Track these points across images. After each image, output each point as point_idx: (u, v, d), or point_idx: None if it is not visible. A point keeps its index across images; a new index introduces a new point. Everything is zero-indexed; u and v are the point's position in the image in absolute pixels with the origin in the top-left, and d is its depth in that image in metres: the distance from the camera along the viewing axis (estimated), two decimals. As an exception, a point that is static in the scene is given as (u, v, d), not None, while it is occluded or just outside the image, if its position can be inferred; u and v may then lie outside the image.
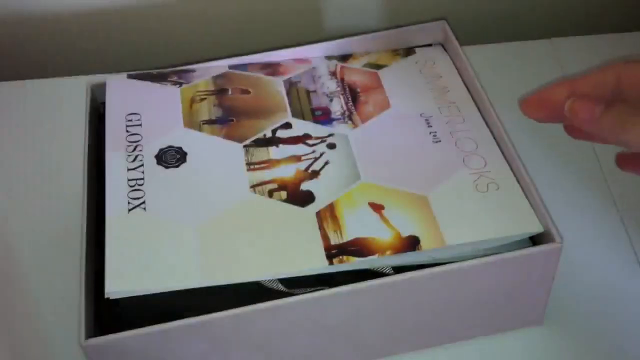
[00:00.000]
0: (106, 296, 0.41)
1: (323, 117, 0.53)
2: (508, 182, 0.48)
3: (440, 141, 0.51)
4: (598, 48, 0.70)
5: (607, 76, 0.42)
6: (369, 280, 0.43)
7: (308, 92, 0.55)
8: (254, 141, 0.51)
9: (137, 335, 0.41)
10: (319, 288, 0.43)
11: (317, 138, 0.51)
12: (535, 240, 0.47)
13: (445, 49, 0.61)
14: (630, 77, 0.42)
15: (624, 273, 0.54)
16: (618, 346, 0.50)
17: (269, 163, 0.49)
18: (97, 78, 0.56)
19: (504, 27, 0.76)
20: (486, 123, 0.53)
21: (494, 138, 0.51)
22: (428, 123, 0.53)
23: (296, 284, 0.44)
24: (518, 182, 0.48)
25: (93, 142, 0.52)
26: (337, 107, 0.54)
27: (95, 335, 0.41)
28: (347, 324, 0.46)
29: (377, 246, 0.44)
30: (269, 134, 0.51)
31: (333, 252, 0.44)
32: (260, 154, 0.50)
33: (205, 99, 0.54)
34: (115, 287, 0.41)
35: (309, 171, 0.49)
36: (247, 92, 0.55)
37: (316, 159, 0.49)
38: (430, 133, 0.52)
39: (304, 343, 0.46)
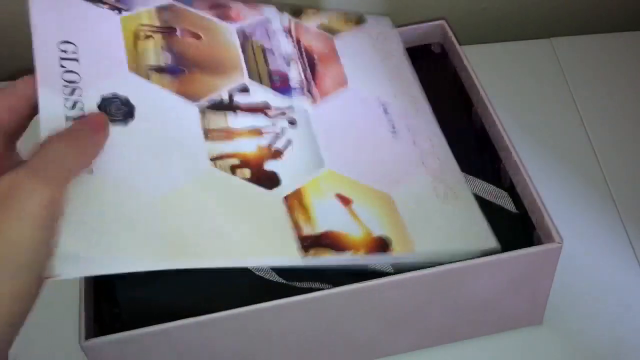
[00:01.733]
0: (54, 277, 0.35)
1: (282, 85, 0.50)
2: (464, 193, 0.49)
3: (397, 133, 0.51)
4: (598, 48, 0.70)
5: None
6: (369, 280, 0.43)
7: (264, 50, 0.51)
8: (209, 103, 0.46)
9: (137, 335, 0.41)
10: (316, 283, 0.43)
11: (277, 109, 0.48)
12: (535, 240, 0.47)
13: (444, 48, 0.61)
14: None
15: (623, 273, 0.54)
16: (618, 346, 0.50)
17: (228, 133, 0.45)
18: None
19: (504, 27, 0.76)
20: (435, 120, 0.54)
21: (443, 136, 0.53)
22: (385, 110, 0.52)
23: (293, 276, 0.43)
24: (474, 194, 0.49)
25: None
26: (294, 74, 0.51)
27: (95, 336, 0.41)
28: (347, 323, 0.46)
29: (350, 243, 0.43)
30: (225, 97, 0.47)
31: (306, 243, 0.42)
32: (218, 120, 0.45)
33: (151, 36, 0.47)
34: (64, 269, 0.35)
35: (272, 149, 0.46)
36: (197, 37, 0.49)
37: (277, 134, 0.47)
38: (388, 122, 0.51)
39: (304, 343, 0.46)
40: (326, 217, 0.43)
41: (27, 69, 0.73)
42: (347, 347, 0.48)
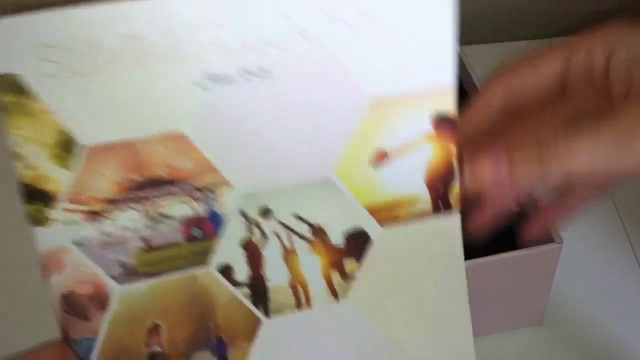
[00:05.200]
0: None
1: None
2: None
3: None
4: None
5: (549, 68, 0.33)
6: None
7: None
8: None
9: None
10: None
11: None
12: (535, 240, 0.47)
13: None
14: (580, 64, 0.32)
15: (623, 273, 0.54)
16: (618, 346, 0.50)
17: None
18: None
19: (504, 27, 0.76)
20: None
21: None
22: None
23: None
24: None
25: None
26: None
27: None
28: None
29: None
30: None
31: None
32: None
33: None
34: None
35: None
36: None
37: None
38: None
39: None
40: None
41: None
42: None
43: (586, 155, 0.29)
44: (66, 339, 0.32)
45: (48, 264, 0.31)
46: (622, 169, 0.29)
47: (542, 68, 0.33)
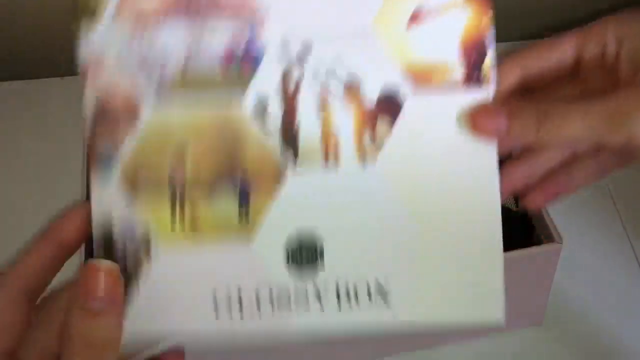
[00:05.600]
0: None
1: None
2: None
3: None
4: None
5: (563, 50, 0.35)
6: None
7: None
8: None
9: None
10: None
11: None
12: (535, 240, 0.47)
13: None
14: (593, 47, 0.35)
15: (623, 273, 0.54)
16: (618, 346, 0.50)
17: None
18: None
19: (504, 27, 0.76)
20: None
21: None
22: None
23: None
24: None
25: (93, 142, 0.52)
26: None
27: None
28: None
29: None
30: None
31: None
32: None
33: None
34: None
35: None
36: None
37: None
38: None
39: (302, 343, 0.46)
40: None
41: (27, 69, 0.73)
42: (346, 346, 0.48)
43: (578, 126, 0.31)
44: (91, 149, 0.32)
45: (88, 70, 0.32)
46: (613, 143, 0.31)
47: (557, 50, 0.35)
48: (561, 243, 0.44)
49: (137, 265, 0.32)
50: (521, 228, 0.48)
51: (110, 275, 0.29)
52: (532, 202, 0.37)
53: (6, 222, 0.59)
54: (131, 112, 0.32)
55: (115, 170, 0.32)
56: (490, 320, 0.33)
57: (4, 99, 0.68)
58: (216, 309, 0.32)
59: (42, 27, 0.71)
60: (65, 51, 0.74)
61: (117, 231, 0.32)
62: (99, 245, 0.32)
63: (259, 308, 0.32)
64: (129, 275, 0.31)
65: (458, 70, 0.33)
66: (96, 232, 0.32)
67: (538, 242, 0.46)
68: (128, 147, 0.32)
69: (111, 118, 0.32)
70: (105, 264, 0.29)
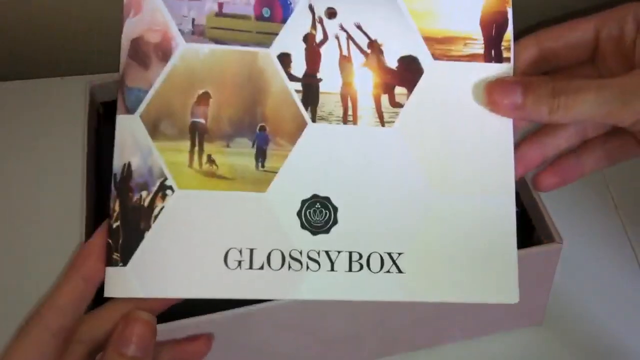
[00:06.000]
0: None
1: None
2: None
3: None
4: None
5: (583, 31, 0.36)
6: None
7: None
8: None
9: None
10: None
11: None
12: (535, 240, 0.47)
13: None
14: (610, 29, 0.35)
15: (623, 273, 0.54)
16: (618, 346, 0.50)
17: None
18: (97, 78, 0.55)
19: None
20: None
21: None
22: None
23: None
24: None
25: (92, 142, 0.52)
26: None
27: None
28: (346, 323, 0.46)
29: None
30: None
31: None
32: None
33: None
34: None
35: None
36: None
37: None
38: None
39: (302, 343, 0.46)
40: None
41: (27, 69, 0.73)
42: (346, 346, 0.48)
43: (591, 101, 0.32)
44: (122, 85, 0.33)
45: (128, 5, 0.33)
46: (625, 120, 0.32)
47: (576, 31, 0.36)
48: (561, 243, 0.44)
49: (152, 204, 0.32)
50: (521, 228, 0.48)
51: (148, 326, 0.31)
52: (542, 184, 0.38)
53: (6, 222, 0.59)
54: (165, 50, 0.33)
55: (141, 111, 0.32)
56: (505, 301, 0.33)
57: (4, 99, 0.68)
58: (226, 258, 0.32)
59: (42, 27, 0.71)
60: (65, 51, 0.74)
61: (135, 169, 0.32)
62: (119, 181, 0.32)
63: (269, 261, 0.32)
64: (146, 212, 0.32)
65: (478, 43, 0.34)
66: (116, 169, 0.32)
67: (538, 242, 0.46)
68: (154, 89, 0.33)
69: (145, 57, 0.33)
70: (144, 316, 0.31)
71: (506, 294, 0.33)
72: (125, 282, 0.31)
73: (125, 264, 0.31)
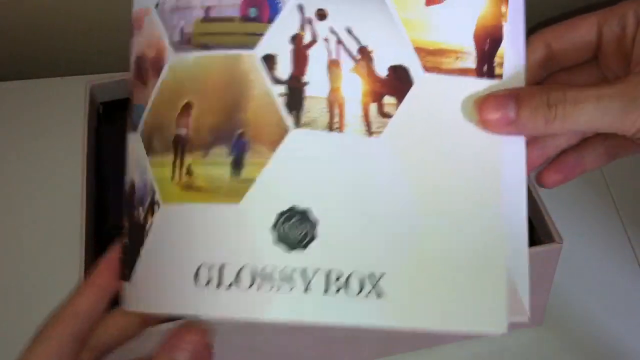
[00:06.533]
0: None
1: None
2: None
3: None
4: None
5: (586, 28, 0.35)
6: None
7: None
8: None
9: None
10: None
11: None
12: (535, 240, 0.47)
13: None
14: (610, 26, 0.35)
15: (623, 273, 0.54)
16: (618, 346, 0.50)
17: None
18: (97, 78, 0.56)
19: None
20: None
21: None
22: None
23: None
24: None
25: (92, 142, 0.52)
26: None
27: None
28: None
29: None
30: None
31: None
32: None
33: None
34: None
35: None
36: None
37: None
38: None
39: (302, 344, 0.46)
40: None
41: (27, 69, 0.73)
42: (346, 346, 0.48)
43: (591, 112, 0.31)
44: (130, 103, 0.32)
45: (134, 23, 0.33)
46: (626, 130, 0.31)
47: (579, 29, 0.35)
48: (561, 243, 0.44)
49: (145, 220, 0.32)
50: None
51: (203, 335, 0.30)
52: (547, 181, 0.38)
53: (6, 222, 0.59)
54: (158, 64, 0.32)
55: (140, 128, 0.32)
56: (491, 331, 0.30)
57: (4, 99, 0.68)
58: (196, 275, 0.30)
59: (42, 27, 0.71)
60: (65, 51, 0.74)
61: (136, 186, 0.32)
62: (126, 198, 0.32)
63: (237, 280, 0.30)
64: (141, 229, 0.32)
65: (470, 58, 0.32)
66: (125, 186, 0.32)
67: (538, 242, 0.46)
68: (149, 104, 0.32)
69: (144, 73, 0.32)
70: (200, 325, 0.30)
71: (493, 323, 0.31)
72: (130, 296, 0.32)
73: (129, 279, 0.32)
